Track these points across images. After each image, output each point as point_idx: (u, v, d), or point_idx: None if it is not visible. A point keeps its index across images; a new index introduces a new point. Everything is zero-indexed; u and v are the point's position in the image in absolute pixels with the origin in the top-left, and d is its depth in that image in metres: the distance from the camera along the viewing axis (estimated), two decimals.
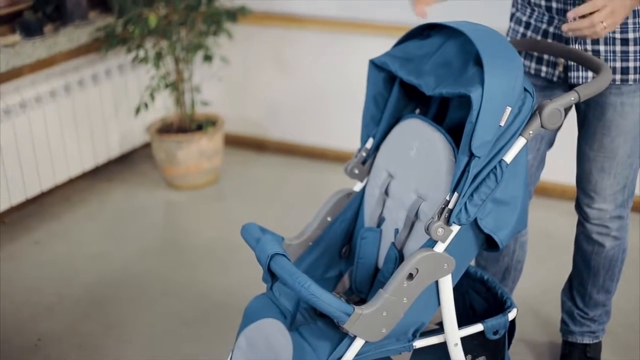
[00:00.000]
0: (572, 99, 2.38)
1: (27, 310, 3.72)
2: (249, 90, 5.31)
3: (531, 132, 2.33)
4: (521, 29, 2.84)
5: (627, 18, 2.63)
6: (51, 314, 3.69)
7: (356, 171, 2.76)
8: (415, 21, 2.67)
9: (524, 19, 2.82)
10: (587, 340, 3.14)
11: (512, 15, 2.90)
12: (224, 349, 3.19)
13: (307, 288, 2.23)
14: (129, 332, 3.55)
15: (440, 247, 2.32)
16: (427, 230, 2.30)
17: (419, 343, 2.43)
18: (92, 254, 4.21)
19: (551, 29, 2.74)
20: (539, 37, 2.77)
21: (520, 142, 2.32)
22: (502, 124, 2.24)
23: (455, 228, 2.31)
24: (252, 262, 2.66)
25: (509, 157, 2.30)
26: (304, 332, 2.42)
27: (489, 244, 2.44)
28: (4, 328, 3.60)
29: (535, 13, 2.78)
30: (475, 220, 2.33)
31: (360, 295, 2.68)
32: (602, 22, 2.45)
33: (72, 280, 3.96)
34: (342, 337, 2.35)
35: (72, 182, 4.88)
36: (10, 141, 4.31)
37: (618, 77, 2.67)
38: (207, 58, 4.81)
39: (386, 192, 2.65)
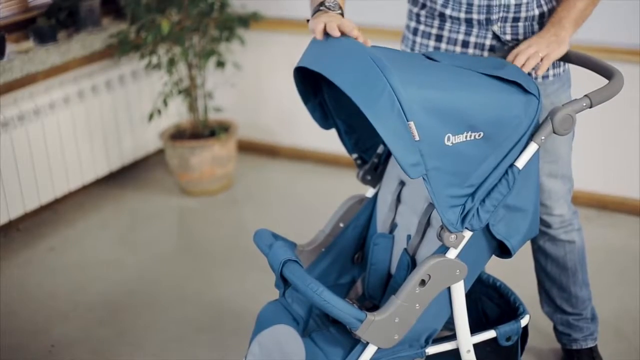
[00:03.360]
0: (585, 104, 2.38)
1: (42, 316, 3.73)
2: (261, 97, 5.31)
3: (543, 137, 2.33)
4: (432, 42, 2.78)
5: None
6: (65, 320, 3.70)
7: (368, 177, 2.76)
8: None
9: (434, 32, 2.77)
10: (590, 343, 3.14)
11: (416, 29, 2.82)
12: (237, 355, 3.20)
13: (319, 294, 2.23)
14: (142, 338, 3.56)
15: (452, 254, 2.32)
16: (440, 236, 2.30)
17: (432, 349, 2.44)
18: (106, 260, 4.21)
19: (472, 39, 2.71)
20: (458, 48, 2.74)
21: (532, 147, 2.32)
22: (417, 138, 2.17)
23: (468, 234, 2.31)
24: (265, 268, 2.66)
25: (520, 163, 2.30)
26: (316, 338, 2.43)
27: (501, 250, 2.43)
28: (18, 333, 3.61)
29: (448, 24, 2.74)
30: (488, 226, 2.33)
31: (372, 301, 2.68)
32: (537, 53, 2.52)
33: (86, 286, 3.97)
34: (354, 343, 2.35)
35: (85, 189, 4.89)
36: (24, 147, 4.32)
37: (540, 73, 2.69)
38: (220, 64, 4.82)
39: (398, 199, 2.65)
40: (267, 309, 2.63)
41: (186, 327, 3.60)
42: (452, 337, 2.48)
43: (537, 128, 2.34)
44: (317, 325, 2.50)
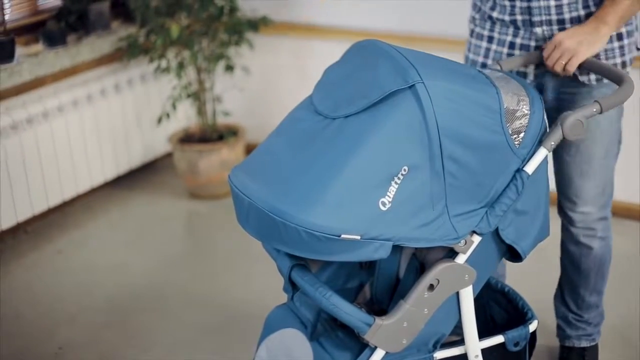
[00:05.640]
0: (595, 110, 2.38)
1: (49, 319, 3.73)
2: (270, 101, 5.31)
3: (553, 143, 2.32)
4: (484, 44, 2.84)
5: None
6: (72, 323, 3.70)
7: None
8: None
9: (486, 33, 2.83)
10: (584, 343, 3.15)
11: (472, 31, 2.90)
12: (244, 358, 3.19)
13: (328, 298, 2.22)
14: (149, 341, 3.56)
15: (461, 258, 2.31)
16: None
17: (440, 354, 2.43)
18: (114, 263, 4.22)
19: (518, 40, 2.76)
20: (505, 50, 2.78)
21: (542, 153, 2.31)
22: (358, 237, 2.09)
23: (477, 239, 2.30)
24: (273, 272, 2.66)
25: (530, 168, 2.29)
26: (324, 342, 2.42)
27: (511, 254, 2.43)
28: (25, 336, 3.61)
29: (498, 26, 2.79)
30: (497, 230, 2.32)
31: (380, 305, 2.67)
32: (560, 60, 2.57)
33: (94, 289, 3.97)
34: (362, 347, 2.34)
35: (94, 192, 4.90)
36: (33, 150, 4.33)
37: (594, 76, 2.71)
38: (229, 68, 4.82)
39: None
40: (275, 312, 2.63)
41: (193, 331, 3.60)
42: (460, 342, 2.47)
43: (547, 133, 2.34)
44: (325, 329, 2.49)
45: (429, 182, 2.17)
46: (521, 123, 2.29)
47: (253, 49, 4.90)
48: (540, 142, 2.32)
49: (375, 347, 2.30)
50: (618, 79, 2.49)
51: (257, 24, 4.75)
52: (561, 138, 2.34)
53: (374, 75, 2.22)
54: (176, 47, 4.75)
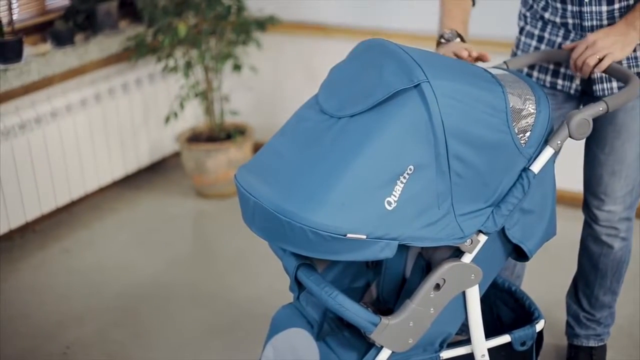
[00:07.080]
0: (601, 109, 2.37)
1: (56, 318, 3.74)
2: (277, 100, 5.31)
3: (559, 142, 2.32)
4: (534, 42, 2.85)
5: None
6: (80, 322, 3.70)
7: None
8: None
9: (536, 32, 2.84)
10: (592, 343, 3.16)
11: (522, 28, 2.91)
12: (251, 358, 3.19)
13: (334, 298, 2.22)
14: (157, 341, 3.56)
15: (467, 258, 2.31)
16: None
17: (446, 354, 2.42)
18: (121, 262, 4.22)
19: (568, 43, 2.76)
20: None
21: (548, 151, 2.30)
22: (364, 236, 2.08)
23: (483, 238, 2.29)
24: (279, 271, 2.66)
25: (536, 167, 2.28)
26: (330, 342, 2.42)
27: (517, 253, 2.42)
28: (33, 335, 3.62)
29: (549, 27, 2.80)
30: (503, 230, 2.32)
31: (387, 305, 2.67)
32: (595, 55, 2.56)
33: (101, 288, 3.98)
34: (368, 347, 2.34)
35: (102, 191, 4.90)
36: (41, 149, 4.34)
37: None
38: (236, 67, 4.82)
39: None
40: (281, 312, 2.63)
41: (200, 330, 3.61)
42: (467, 341, 2.47)
43: (553, 132, 2.34)
44: (332, 329, 2.49)
45: (434, 181, 2.16)
46: (527, 122, 2.29)
47: (261, 48, 4.90)
48: (546, 141, 2.32)
49: (382, 347, 2.30)
50: (625, 78, 2.49)
51: (264, 24, 4.75)
52: (567, 137, 2.34)
53: (380, 75, 2.22)
54: (184, 47, 4.75)
